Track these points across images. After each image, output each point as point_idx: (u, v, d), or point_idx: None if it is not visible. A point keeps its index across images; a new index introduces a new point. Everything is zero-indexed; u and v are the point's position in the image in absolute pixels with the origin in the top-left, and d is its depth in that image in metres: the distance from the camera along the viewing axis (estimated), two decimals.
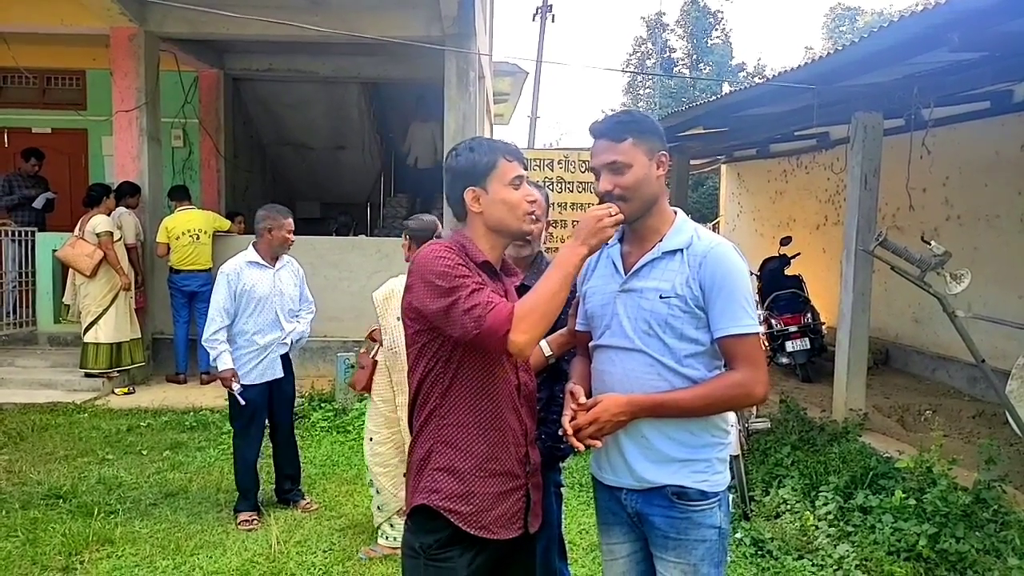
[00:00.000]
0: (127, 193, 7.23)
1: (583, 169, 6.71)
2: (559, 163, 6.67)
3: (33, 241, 7.59)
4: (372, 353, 3.79)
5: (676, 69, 33.60)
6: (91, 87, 9.31)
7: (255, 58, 9.28)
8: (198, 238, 7.22)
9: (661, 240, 1.95)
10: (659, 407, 1.88)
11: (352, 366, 5.54)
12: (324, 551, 3.82)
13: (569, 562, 2.74)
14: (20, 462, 4.96)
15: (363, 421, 4.17)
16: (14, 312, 7.64)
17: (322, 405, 6.23)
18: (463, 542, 1.84)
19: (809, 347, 7.66)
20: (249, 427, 4.28)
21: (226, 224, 7.60)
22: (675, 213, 2.00)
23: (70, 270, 6.87)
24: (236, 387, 4.11)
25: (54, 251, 7.57)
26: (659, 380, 1.90)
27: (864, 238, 5.49)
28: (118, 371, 6.84)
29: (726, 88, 34.50)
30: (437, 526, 1.84)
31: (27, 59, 8.86)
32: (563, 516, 2.68)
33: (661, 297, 1.90)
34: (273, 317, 4.26)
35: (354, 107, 10.46)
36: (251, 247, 4.28)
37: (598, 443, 1.87)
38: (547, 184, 6.65)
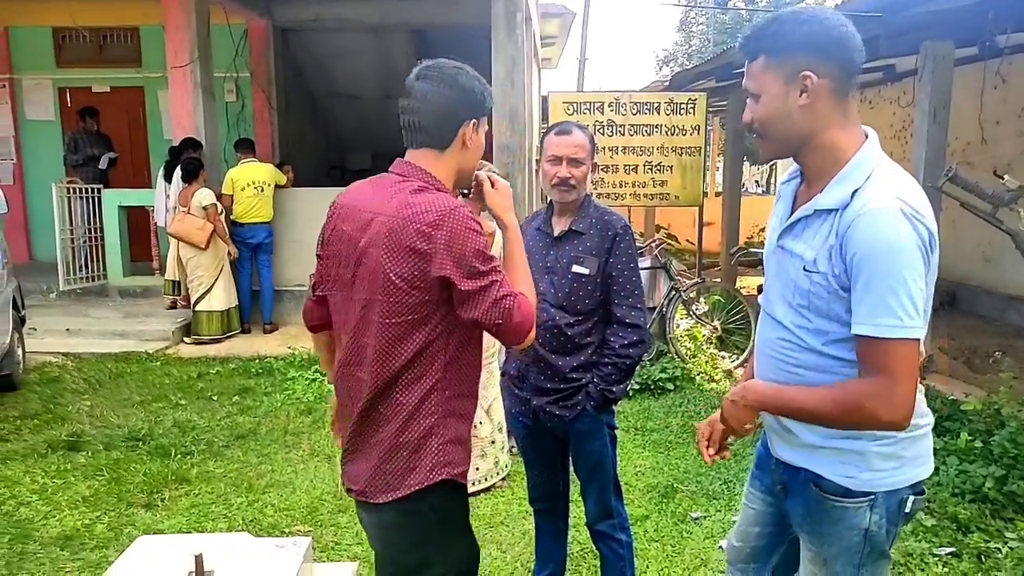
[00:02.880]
0: (190, 147, 7.39)
1: (634, 111, 6.56)
2: (609, 106, 6.53)
3: (99, 198, 7.86)
4: None
5: (731, 2, 32.28)
6: (145, 43, 9.46)
7: (302, 7, 9.26)
8: (262, 190, 7.37)
9: (823, 190, 1.56)
10: (774, 411, 1.68)
11: None
12: None
13: (625, 502, 2.78)
14: (100, 407, 5.25)
15: None
16: (86, 266, 7.98)
17: None
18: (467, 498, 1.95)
19: None
20: None
21: (283, 178, 7.73)
22: (854, 152, 1.55)
23: (178, 245, 7.07)
24: None
25: (121, 206, 7.85)
26: (796, 358, 1.62)
27: (933, 174, 5.26)
28: (226, 336, 7.11)
29: None
30: (459, 495, 1.86)
31: (84, 17, 9.06)
32: (617, 458, 2.69)
33: (805, 269, 1.57)
34: None
35: (401, 55, 10.37)
36: None
37: (727, 454, 1.84)
38: (597, 128, 6.54)
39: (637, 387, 5.56)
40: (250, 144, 7.74)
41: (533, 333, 1.75)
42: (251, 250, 7.40)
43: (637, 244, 4.36)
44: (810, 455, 1.66)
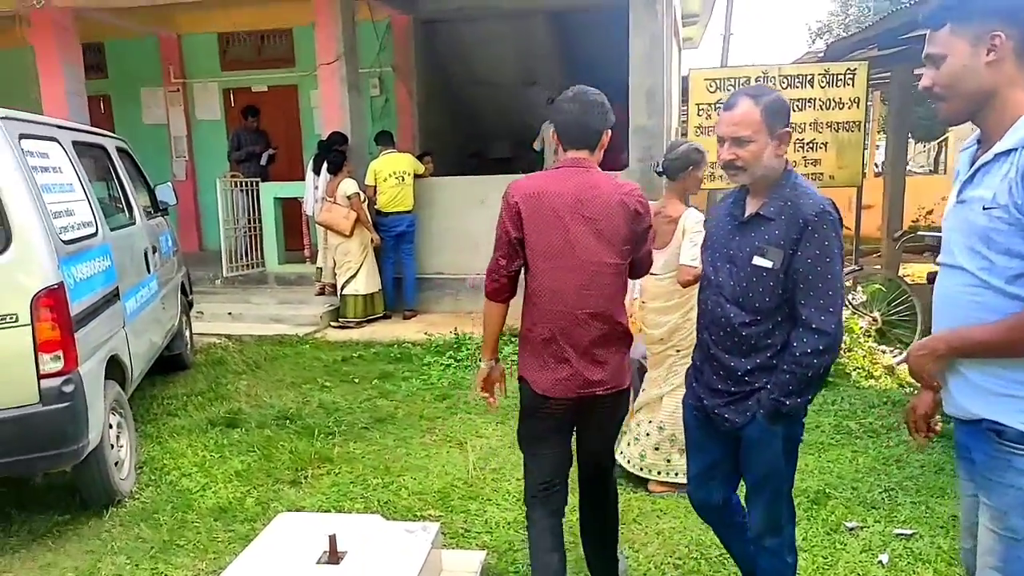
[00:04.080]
0: (337, 143, 7.73)
1: (784, 85, 6.10)
2: (757, 80, 6.11)
3: (258, 190, 8.40)
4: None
5: None
6: (298, 43, 9.99)
7: None
8: (403, 180, 7.59)
9: (1000, 139, 1.67)
10: (956, 350, 1.75)
11: None
12: (517, 479, 3.90)
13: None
14: (256, 387, 5.59)
15: None
16: (247, 255, 8.57)
17: (512, 339, 6.33)
18: None
19: None
20: None
21: (422, 168, 7.90)
22: None
23: (326, 234, 7.50)
24: None
25: (276, 198, 8.35)
26: (978, 302, 1.68)
27: None
28: (368, 320, 7.45)
29: None
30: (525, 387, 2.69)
31: (244, 21, 9.70)
32: (795, 473, 2.38)
33: (984, 208, 1.65)
34: None
35: (539, 40, 10.33)
36: None
37: (938, 428, 1.91)
38: None
39: None
40: (389, 136, 7.97)
41: None
42: (394, 239, 7.64)
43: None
44: (991, 403, 1.70)
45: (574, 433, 2.69)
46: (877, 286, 6.20)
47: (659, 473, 3.71)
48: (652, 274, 3.57)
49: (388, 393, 5.40)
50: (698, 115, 6.21)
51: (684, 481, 3.40)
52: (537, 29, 10.11)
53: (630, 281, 3.37)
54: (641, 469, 3.76)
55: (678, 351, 3.62)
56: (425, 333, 6.79)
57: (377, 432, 4.67)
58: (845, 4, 31.33)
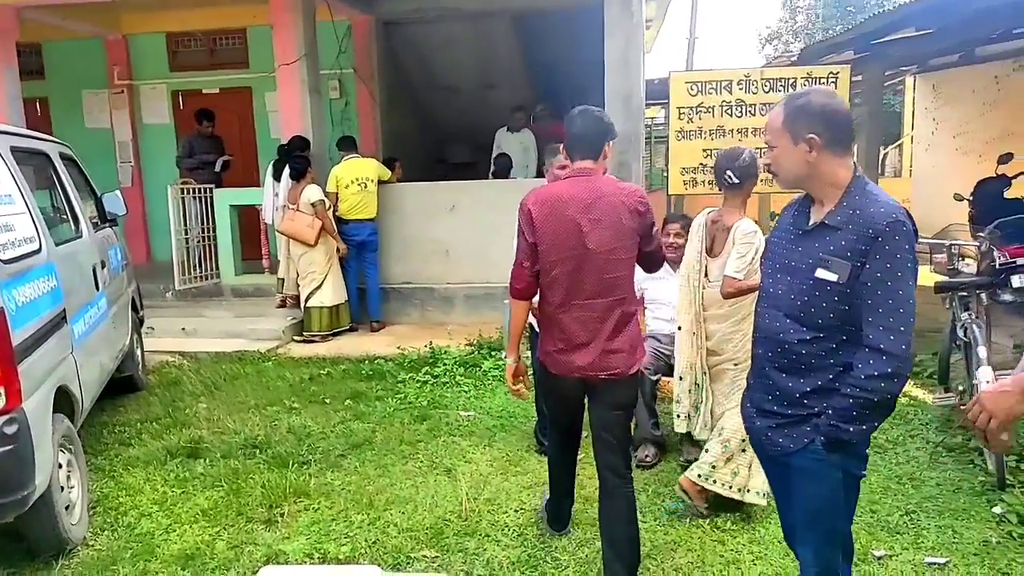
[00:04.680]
0: (298, 148, 7.33)
1: (766, 89, 5.97)
2: (738, 84, 5.96)
3: (212, 197, 7.93)
4: None
5: None
6: (252, 45, 9.52)
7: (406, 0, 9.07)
8: (366, 186, 7.23)
9: None
10: None
11: None
12: (515, 510, 3.64)
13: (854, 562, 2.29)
14: (217, 411, 5.17)
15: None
16: (200, 266, 8.08)
17: (492, 353, 6.08)
18: None
19: None
20: None
21: (387, 174, 7.55)
22: None
23: (288, 243, 7.08)
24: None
25: (232, 206, 7.90)
26: None
27: None
28: (334, 334, 7.05)
29: None
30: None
31: (195, 22, 9.20)
32: (853, 513, 2.19)
33: None
34: None
35: (502, 42, 10.06)
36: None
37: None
38: (724, 109, 6.00)
39: None
40: (352, 141, 7.61)
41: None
42: (356, 248, 7.27)
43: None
44: None
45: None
46: None
47: (724, 486, 3.49)
48: (709, 282, 3.57)
49: (363, 415, 5.04)
50: (679, 119, 6.03)
51: (743, 499, 3.44)
52: (501, 31, 9.83)
53: (640, 289, 3.99)
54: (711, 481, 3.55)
55: (736, 364, 3.52)
56: (398, 347, 6.44)
57: (355, 459, 4.32)
58: (793, 11, 32.01)
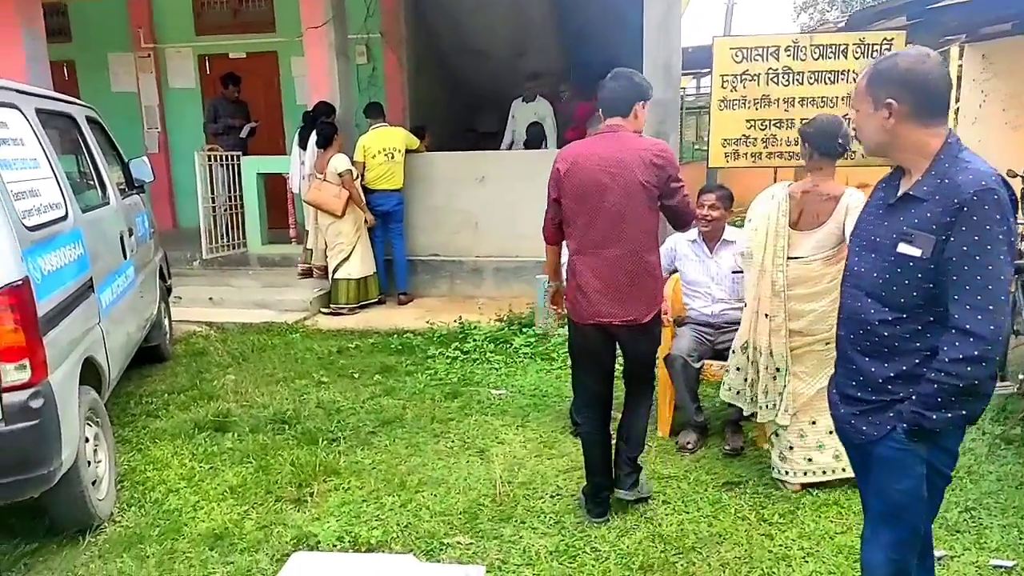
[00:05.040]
0: (324, 114, 7.16)
1: (816, 56, 5.66)
2: (786, 51, 5.65)
3: (239, 165, 7.80)
4: None
5: None
6: (279, 7, 9.31)
7: None
8: (393, 156, 7.05)
9: None
10: None
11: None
12: (551, 496, 3.51)
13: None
14: (245, 383, 5.09)
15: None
16: (227, 235, 7.99)
17: (523, 330, 5.92)
18: None
19: None
20: None
21: (416, 143, 7.35)
22: None
23: (316, 213, 6.93)
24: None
25: (259, 173, 7.77)
26: None
27: None
28: (362, 306, 6.94)
29: None
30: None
31: None
32: (936, 510, 2.02)
33: None
34: None
35: (535, 7, 9.76)
36: None
37: None
38: (771, 77, 5.69)
39: None
40: (379, 108, 7.41)
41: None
42: (382, 218, 7.11)
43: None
44: None
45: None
46: None
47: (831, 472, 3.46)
48: (796, 257, 3.33)
49: (392, 390, 4.93)
50: (722, 87, 5.73)
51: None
52: None
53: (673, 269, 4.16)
54: (806, 473, 3.48)
55: (827, 344, 3.25)
56: (427, 321, 6.31)
57: (385, 437, 4.21)
58: None
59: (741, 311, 3.82)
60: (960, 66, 12.33)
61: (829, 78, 5.71)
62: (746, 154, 5.83)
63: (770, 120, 5.75)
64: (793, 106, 5.73)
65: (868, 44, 5.64)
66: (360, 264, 6.88)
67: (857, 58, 5.66)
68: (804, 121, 3.67)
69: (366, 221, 6.92)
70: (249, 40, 9.52)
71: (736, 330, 3.77)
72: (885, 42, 5.63)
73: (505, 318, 6.21)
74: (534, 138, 8.24)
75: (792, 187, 3.41)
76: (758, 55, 5.72)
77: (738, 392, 3.63)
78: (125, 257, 4.49)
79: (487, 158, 7.40)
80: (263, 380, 5.16)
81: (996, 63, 10.68)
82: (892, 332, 1.85)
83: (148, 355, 5.39)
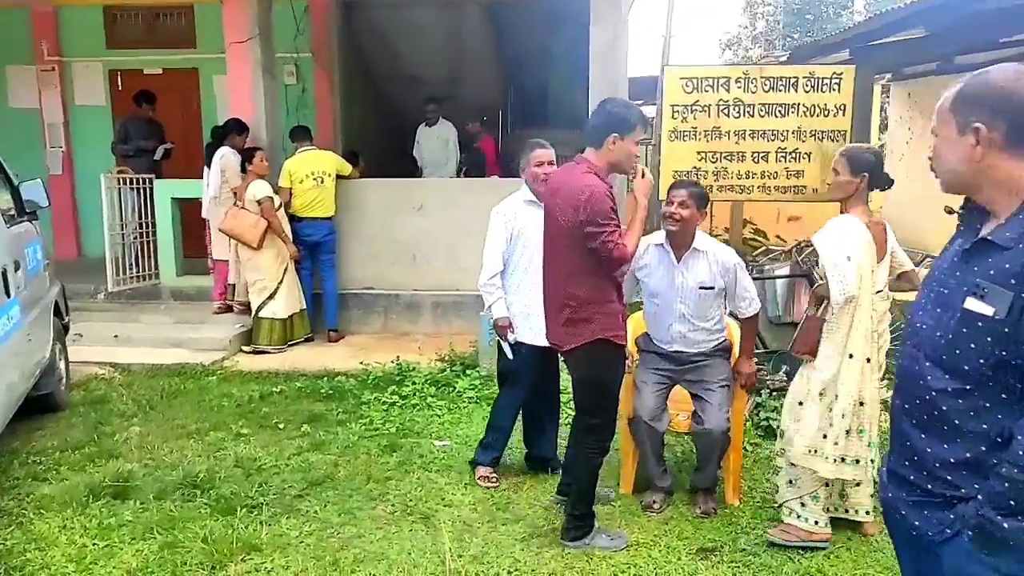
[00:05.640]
0: (234, 131, 6.63)
1: (766, 88, 5.53)
2: (736, 82, 5.50)
3: (151, 189, 7.15)
4: (819, 312, 3.20)
5: None
6: (200, 22, 8.72)
7: None
8: (322, 181, 6.56)
9: None
10: None
11: None
12: (508, 571, 3.09)
13: None
14: (151, 437, 4.48)
15: None
16: (137, 265, 7.30)
17: (467, 372, 5.50)
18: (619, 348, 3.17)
19: None
20: (514, 384, 3.92)
21: (348, 168, 6.88)
22: None
23: (236, 245, 6.35)
24: (511, 338, 3.73)
25: (174, 198, 7.16)
26: None
27: None
28: (289, 346, 6.37)
29: (859, 1, 31.07)
30: (609, 346, 3.09)
31: None
32: None
33: None
34: None
35: (474, 31, 9.49)
36: (523, 184, 3.86)
37: None
38: (722, 109, 5.52)
39: None
40: (306, 131, 6.91)
41: (625, 267, 3.16)
42: (310, 249, 6.60)
43: (769, 247, 3.56)
44: None
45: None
46: None
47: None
48: (877, 292, 3.20)
49: (322, 444, 4.42)
50: (673, 117, 5.53)
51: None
52: (470, 19, 9.27)
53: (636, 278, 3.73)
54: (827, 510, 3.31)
55: None
56: (360, 362, 5.81)
57: (315, 501, 3.70)
58: (754, 17, 32.19)
59: (708, 335, 3.56)
60: (883, 104, 12.75)
61: (779, 111, 5.57)
62: (733, 188, 5.64)
63: (721, 152, 5.57)
64: (744, 139, 5.57)
65: (818, 77, 5.54)
66: (286, 301, 6.32)
67: (807, 91, 5.56)
68: (847, 147, 3.40)
69: (290, 254, 6.37)
70: (166, 55, 8.87)
71: (703, 362, 3.52)
72: (835, 76, 5.54)
73: (447, 358, 5.78)
74: (475, 164, 7.88)
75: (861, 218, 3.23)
76: (709, 86, 5.54)
77: (815, 451, 3.20)
78: (8, 295, 3.88)
79: (426, 186, 7.01)
80: (173, 433, 4.56)
81: (920, 102, 11.02)
82: (954, 406, 1.50)
83: (39, 405, 4.73)
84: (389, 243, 6.96)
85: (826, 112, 5.58)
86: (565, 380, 5.00)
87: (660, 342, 3.68)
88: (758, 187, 5.65)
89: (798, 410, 3.25)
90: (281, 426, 4.68)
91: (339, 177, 6.75)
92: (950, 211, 5.81)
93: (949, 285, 1.55)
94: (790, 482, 3.30)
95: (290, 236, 6.36)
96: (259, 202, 6.14)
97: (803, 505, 3.26)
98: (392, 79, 10.26)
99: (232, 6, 6.60)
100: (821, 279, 3.23)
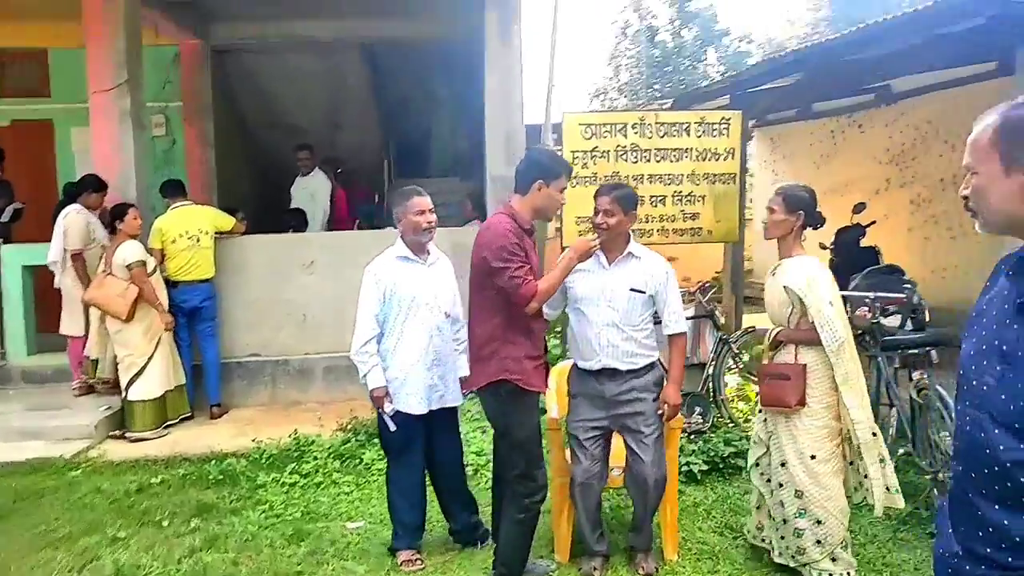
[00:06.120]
0: (91, 187, 5.99)
1: (661, 133, 5.60)
2: (633, 127, 5.53)
3: None
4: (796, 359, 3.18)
5: (658, 37, 32.53)
6: (55, 70, 7.96)
7: (243, 25, 7.98)
8: (198, 240, 6.01)
9: None
10: None
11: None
12: None
13: None
14: (7, 551, 3.78)
15: None
16: None
17: (373, 441, 5.07)
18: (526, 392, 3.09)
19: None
20: (401, 455, 3.62)
21: (230, 223, 6.34)
22: None
23: (102, 316, 5.65)
24: (388, 408, 3.44)
25: (25, 266, 6.36)
26: None
27: None
28: (166, 427, 5.67)
29: (711, 55, 33.38)
30: (511, 388, 3.05)
31: None
32: None
33: None
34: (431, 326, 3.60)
35: (354, 76, 9.22)
36: (398, 239, 3.60)
37: None
38: (619, 154, 5.54)
39: (706, 468, 4.52)
40: (179, 186, 6.30)
41: (536, 305, 3.05)
42: (187, 316, 5.97)
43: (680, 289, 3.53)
44: None
45: None
46: (760, 346, 5.82)
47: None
48: None
49: (216, 539, 3.88)
50: (573, 163, 5.48)
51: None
52: (350, 64, 9.01)
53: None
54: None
55: None
56: (253, 440, 5.25)
57: None
58: (617, 68, 33.81)
59: (639, 347, 3.31)
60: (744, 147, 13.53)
61: (674, 156, 5.66)
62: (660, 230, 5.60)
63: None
64: (642, 183, 5.59)
65: (708, 123, 5.68)
66: (160, 378, 5.65)
67: (699, 136, 5.68)
68: (782, 186, 3.32)
69: (166, 324, 5.76)
70: (15, 106, 8.00)
71: (636, 398, 3.29)
72: (723, 121, 5.70)
73: (349, 427, 5.33)
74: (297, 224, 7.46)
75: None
76: (607, 131, 5.55)
77: (855, 488, 3.21)
78: None
79: (315, 241, 6.58)
80: (35, 543, 3.87)
81: (782, 146, 11.75)
82: None
83: None
84: (276, 304, 6.45)
85: (717, 156, 5.72)
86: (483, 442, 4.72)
87: (587, 361, 3.36)
88: (657, 230, 5.69)
89: (811, 464, 3.14)
90: (165, 523, 4.10)
91: (219, 234, 6.22)
92: (824, 247, 6.11)
93: (1008, 340, 1.38)
94: (818, 542, 3.14)
95: (165, 303, 5.75)
96: (129, 267, 5.53)
97: (835, 560, 3.13)
98: (269, 127, 9.79)
99: (96, 51, 5.98)
100: (777, 325, 3.26)
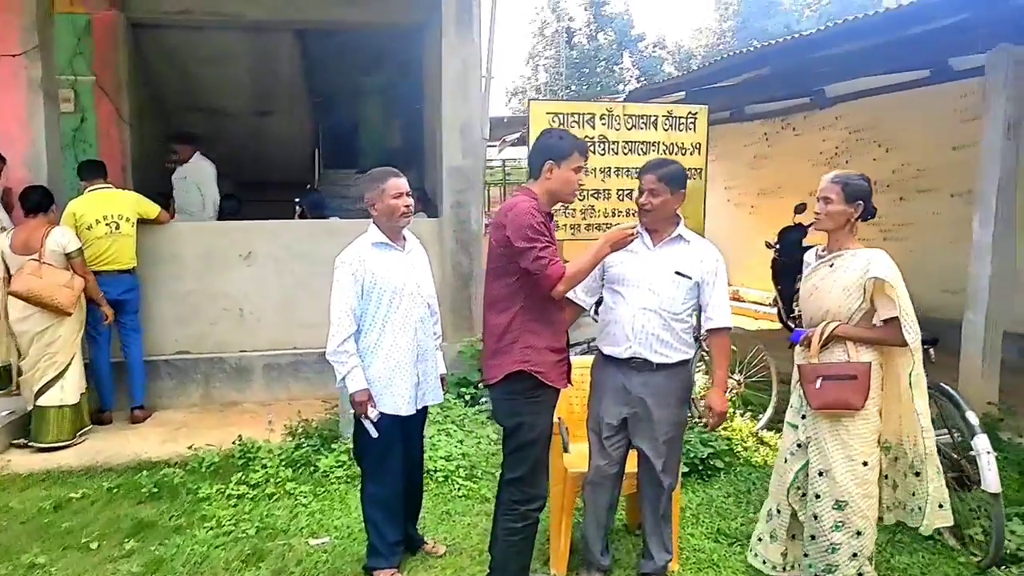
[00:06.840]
0: None
1: (629, 126, 5.43)
2: (601, 119, 5.33)
3: None
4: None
5: (575, 39, 32.83)
6: None
7: None
8: (118, 227, 5.39)
9: None
10: None
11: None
12: None
13: None
14: None
15: None
16: None
17: (328, 446, 4.65)
18: (544, 387, 2.84)
19: None
20: (383, 464, 3.23)
21: (155, 210, 5.72)
22: None
23: (3, 308, 4.93)
24: (373, 413, 3.08)
25: None
26: None
27: (1006, 198, 4.58)
28: (81, 435, 5.01)
29: (627, 59, 33.94)
30: (530, 382, 2.81)
31: None
32: None
33: None
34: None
35: (285, 61, 8.67)
36: (371, 224, 3.26)
37: None
38: (588, 144, 5.33)
39: (686, 470, 4.35)
40: (99, 167, 5.63)
41: (562, 289, 2.75)
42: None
43: None
44: None
45: None
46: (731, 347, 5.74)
47: None
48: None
49: (161, 563, 3.39)
50: None
51: None
52: (281, 48, 8.45)
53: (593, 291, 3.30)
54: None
55: None
56: (189, 446, 4.72)
57: None
58: (536, 68, 33.93)
59: (674, 338, 3.01)
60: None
61: (641, 148, 5.50)
62: (565, 226, 5.35)
63: (588, 190, 5.35)
64: (610, 176, 5.42)
65: (675, 116, 5.56)
66: (78, 381, 5.01)
67: (666, 130, 5.55)
68: (838, 173, 3.04)
69: (106, 318, 5.16)
70: None
71: (660, 401, 3.00)
72: (690, 115, 5.60)
73: (299, 431, 4.88)
74: (313, 205, 7.03)
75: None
76: (574, 121, 5.33)
77: (888, 507, 3.03)
78: None
79: (255, 230, 6.02)
80: None
81: (718, 146, 11.88)
82: None
83: None
84: (211, 298, 5.88)
85: (683, 150, 5.61)
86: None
87: (616, 347, 3.06)
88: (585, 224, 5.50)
89: (862, 471, 2.91)
90: (94, 545, 3.56)
91: (142, 222, 5.61)
92: (769, 245, 6.10)
93: None
94: (854, 555, 2.92)
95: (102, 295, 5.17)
96: (69, 255, 4.91)
97: (862, 575, 2.95)
98: (187, 111, 9.06)
99: (2, 11, 5.25)
100: (832, 320, 2.96)
